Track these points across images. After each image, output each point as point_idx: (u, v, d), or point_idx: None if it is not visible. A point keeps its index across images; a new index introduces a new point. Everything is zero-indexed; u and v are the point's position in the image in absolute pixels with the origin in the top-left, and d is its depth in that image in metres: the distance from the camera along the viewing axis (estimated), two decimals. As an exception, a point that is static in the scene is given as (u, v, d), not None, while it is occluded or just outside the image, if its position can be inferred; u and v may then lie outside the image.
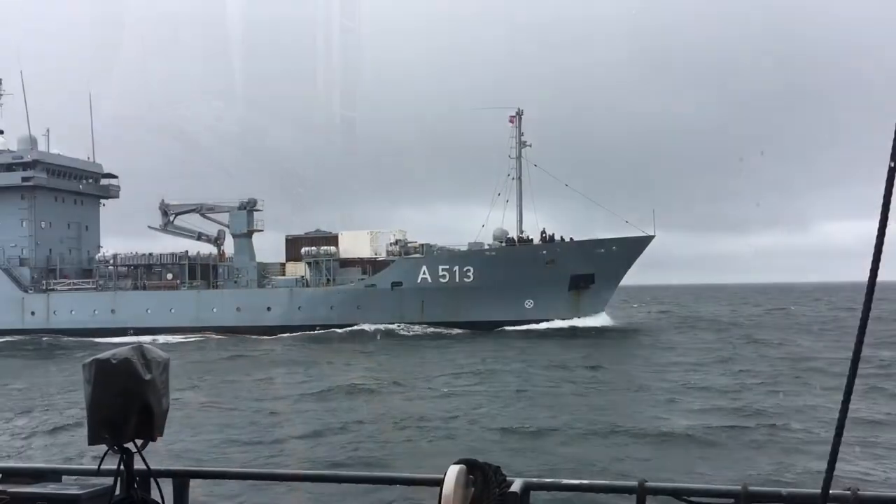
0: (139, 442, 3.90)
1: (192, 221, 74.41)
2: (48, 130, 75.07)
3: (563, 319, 64.38)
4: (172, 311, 67.03)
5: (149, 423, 3.82)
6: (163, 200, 73.46)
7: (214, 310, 66.86)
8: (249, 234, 71.60)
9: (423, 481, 4.57)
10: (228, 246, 73.83)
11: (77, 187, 75.85)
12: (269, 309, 66.30)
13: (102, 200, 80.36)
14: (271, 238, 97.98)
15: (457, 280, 64.68)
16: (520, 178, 67.96)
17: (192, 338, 62.12)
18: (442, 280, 64.76)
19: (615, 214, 71.78)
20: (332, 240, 69.73)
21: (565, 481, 4.48)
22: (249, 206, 71.82)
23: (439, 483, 3.76)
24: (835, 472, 2.84)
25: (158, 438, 3.92)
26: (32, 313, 69.21)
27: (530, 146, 68.34)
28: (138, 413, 3.76)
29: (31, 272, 71.23)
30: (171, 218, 73.81)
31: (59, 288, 70.45)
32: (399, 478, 5.22)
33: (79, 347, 53.49)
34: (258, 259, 71.96)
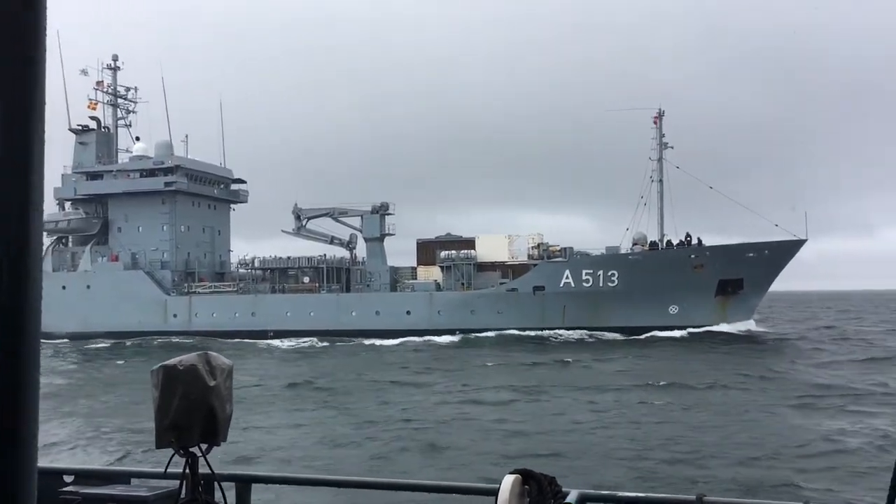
0: (204, 447, 3.97)
1: (325, 225, 75.25)
2: (187, 136, 76.72)
3: (709, 326, 62.66)
4: (312, 314, 67.46)
5: (213, 429, 3.90)
6: (296, 205, 74.36)
7: (354, 313, 67.05)
8: (382, 237, 71.88)
9: (478, 490, 4.66)
10: (360, 250, 74.40)
11: (212, 192, 77.22)
12: (408, 313, 66.14)
13: (233, 205, 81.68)
14: (400, 242, 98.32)
15: (600, 284, 63.48)
16: (661, 181, 66.50)
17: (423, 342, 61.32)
18: (585, 284, 63.63)
19: (762, 217, 69.19)
20: (469, 244, 69.26)
21: (622, 494, 4.49)
22: (382, 211, 72.10)
23: (494, 493, 3.77)
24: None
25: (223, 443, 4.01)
26: (175, 315, 70.36)
27: (672, 148, 66.87)
28: (203, 418, 3.86)
29: (172, 275, 72.56)
30: (304, 222, 74.63)
31: (199, 290, 71.64)
32: (453, 486, 5.32)
33: (232, 349, 54.19)
34: (389, 263, 72.21)
